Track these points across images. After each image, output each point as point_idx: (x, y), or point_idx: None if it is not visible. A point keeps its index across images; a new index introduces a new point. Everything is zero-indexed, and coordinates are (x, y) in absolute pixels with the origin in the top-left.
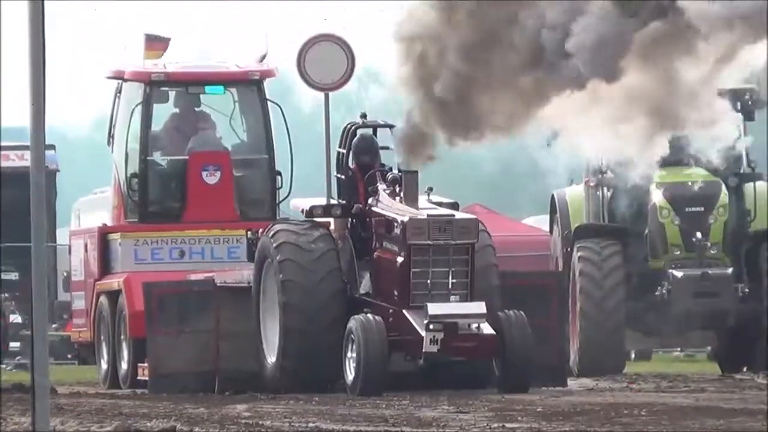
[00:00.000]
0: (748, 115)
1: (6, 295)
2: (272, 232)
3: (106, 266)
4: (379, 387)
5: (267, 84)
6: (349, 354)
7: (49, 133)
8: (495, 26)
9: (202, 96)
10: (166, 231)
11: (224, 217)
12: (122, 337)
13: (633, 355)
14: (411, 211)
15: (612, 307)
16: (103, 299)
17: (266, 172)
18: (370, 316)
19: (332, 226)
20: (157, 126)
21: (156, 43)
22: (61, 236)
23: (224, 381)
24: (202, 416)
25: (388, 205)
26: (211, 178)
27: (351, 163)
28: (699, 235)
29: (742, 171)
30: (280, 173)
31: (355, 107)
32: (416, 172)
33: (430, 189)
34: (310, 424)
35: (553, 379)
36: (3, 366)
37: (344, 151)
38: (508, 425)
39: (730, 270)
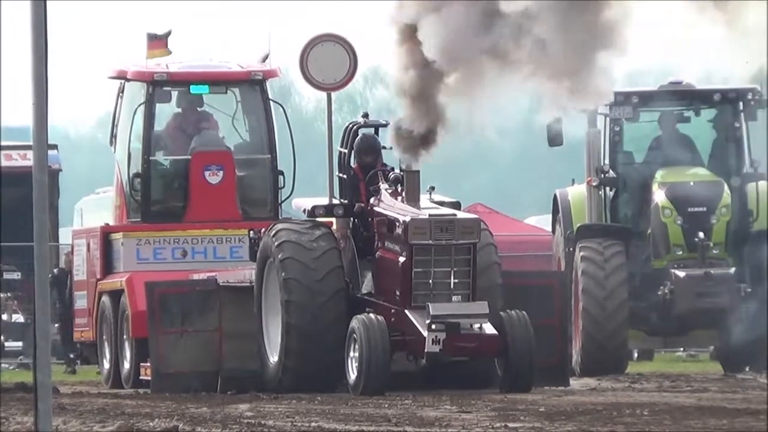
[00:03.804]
0: (750, 115)
1: (9, 294)
2: (274, 231)
3: (108, 266)
4: (381, 387)
5: (269, 84)
6: (351, 354)
7: (51, 133)
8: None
9: (204, 96)
10: (169, 231)
11: (227, 216)
12: (125, 336)
13: (635, 355)
14: (413, 210)
15: (614, 306)
16: (105, 299)
17: (268, 172)
18: (372, 315)
19: (334, 226)
20: (159, 126)
21: (158, 42)
22: (64, 236)
23: (227, 380)
24: (205, 416)
25: (389, 204)
26: (214, 177)
27: (353, 163)
28: (701, 235)
29: (744, 171)
30: (282, 173)
31: (357, 107)
32: (418, 171)
33: (432, 188)
34: (313, 424)
35: (555, 378)
36: (5, 366)
37: (346, 150)
38: (510, 425)
39: (732, 270)
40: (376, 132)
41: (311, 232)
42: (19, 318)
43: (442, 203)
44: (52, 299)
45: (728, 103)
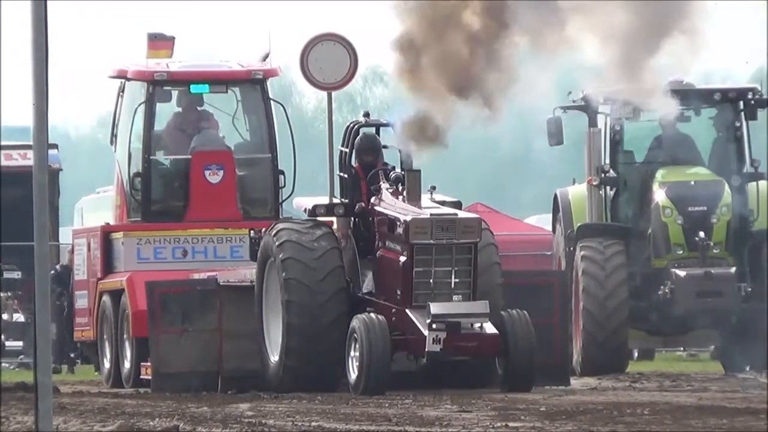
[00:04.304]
0: (750, 115)
1: (9, 294)
2: (275, 231)
3: (108, 265)
4: (381, 386)
5: (270, 83)
6: (352, 353)
7: (52, 133)
8: None
9: (204, 95)
10: (169, 230)
11: (227, 216)
12: (125, 336)
13: (636, 355)
14: (414, 210)
15: (615, 306)
16: (105, 298)
17: (269, 171)
18: (373, 315)
19: (335, 225)
20: (159, 125)
21: (159, 42)
22: (64, 235)
23: (227, 380)
24: (205, 415)
25: (390, 204)
26: (214, 177)
27: (354, 162)
28: (702, 234)
29: (744, 170)
30: (282, 172)
31: (357, 107)
32: (419, 171)
33: (433, 188)
34: (313, 423)
35: (555, 378)
36: (6, 365)
37: (347, 150)
38: (511, 424)
39: (732, 269)
40: (377, 131)
41: (312, 232)
42: (19, 317)
43: (443, 203)
44: (53, 297)
45: (728, 103)
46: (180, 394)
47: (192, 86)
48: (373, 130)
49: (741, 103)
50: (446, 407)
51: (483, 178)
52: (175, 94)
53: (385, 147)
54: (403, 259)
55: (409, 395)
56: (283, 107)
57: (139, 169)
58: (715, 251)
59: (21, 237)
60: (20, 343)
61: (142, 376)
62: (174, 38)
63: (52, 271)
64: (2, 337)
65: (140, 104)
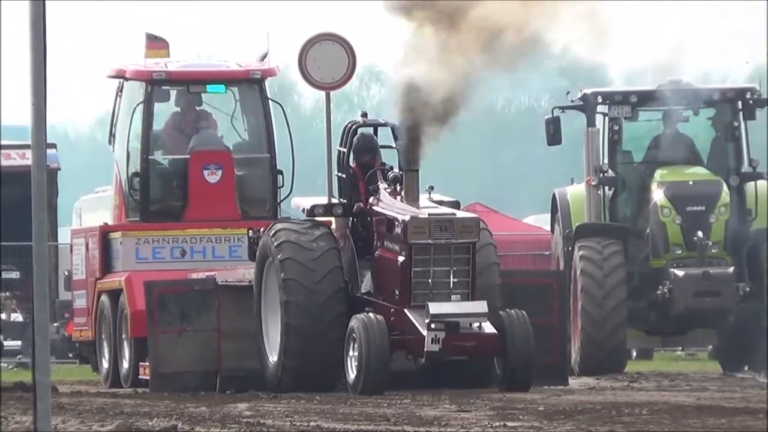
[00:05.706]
0: (749, 114)
1: (7, 293)
2: (273, 231)
3: (107, 265)
4: (380, 386)
5: (268, 83)
6: (350, 353)
7: (50, 132)
8: None
9: (203, 95)
10: (168, 230)
11: (225, 216)
12: (123, 336)
13: (634, 354)
14: (412, 210)
15: (613, 306)
16: (104, 298)
17: (267, 171)
18: (371, 315)
19: (333, 225)
20: (158, 125)
21: (157, 43)
22: (63, 235)
23: (225, 380)
24: (204, 415)
25: (389, 204)
26: (213, 177)
27: (352, 162)
28: (700, 234)
29: (743, 170)
30: (281, 172)
31: (355, 106)
32: (417, 170)
33: (431, 188)
34: (312, 423)
35: (554, 378)
36: (4, 365)
37: (345, 150)
38: (509, 424)
39: (731, 269)
40: (375, 131)
41: (310, 232)
42: (18, 317)
43: (441, 202)
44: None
45: (727, 103)
46: (178, 394)
47: (190, 86)
48: (370, 130)
49: (739, 102)
50: (445, 407)
51: (481, 178)
52: (173, 93)
53: (383, 147)
54: (401, 259)
55: (407, 395)
56: (282, 107)
57: (137, 168)
58: (713, 251)
59: (19, 237)
60: (18, 343)
61: (140, 376)
62: (168, 43)
63: (66, 273)
64: (1, 336)
65: (139, 104)
